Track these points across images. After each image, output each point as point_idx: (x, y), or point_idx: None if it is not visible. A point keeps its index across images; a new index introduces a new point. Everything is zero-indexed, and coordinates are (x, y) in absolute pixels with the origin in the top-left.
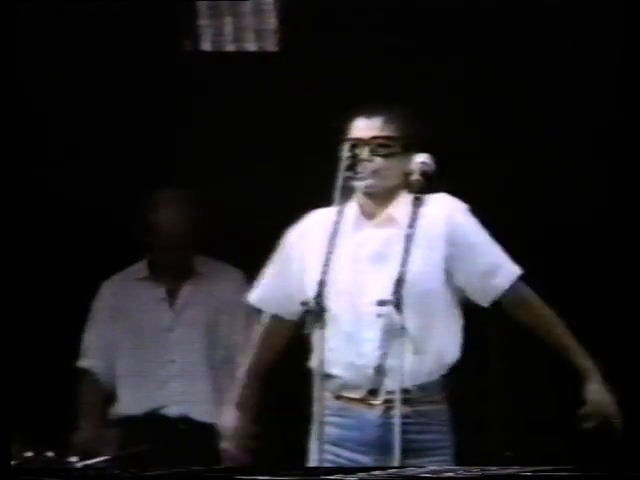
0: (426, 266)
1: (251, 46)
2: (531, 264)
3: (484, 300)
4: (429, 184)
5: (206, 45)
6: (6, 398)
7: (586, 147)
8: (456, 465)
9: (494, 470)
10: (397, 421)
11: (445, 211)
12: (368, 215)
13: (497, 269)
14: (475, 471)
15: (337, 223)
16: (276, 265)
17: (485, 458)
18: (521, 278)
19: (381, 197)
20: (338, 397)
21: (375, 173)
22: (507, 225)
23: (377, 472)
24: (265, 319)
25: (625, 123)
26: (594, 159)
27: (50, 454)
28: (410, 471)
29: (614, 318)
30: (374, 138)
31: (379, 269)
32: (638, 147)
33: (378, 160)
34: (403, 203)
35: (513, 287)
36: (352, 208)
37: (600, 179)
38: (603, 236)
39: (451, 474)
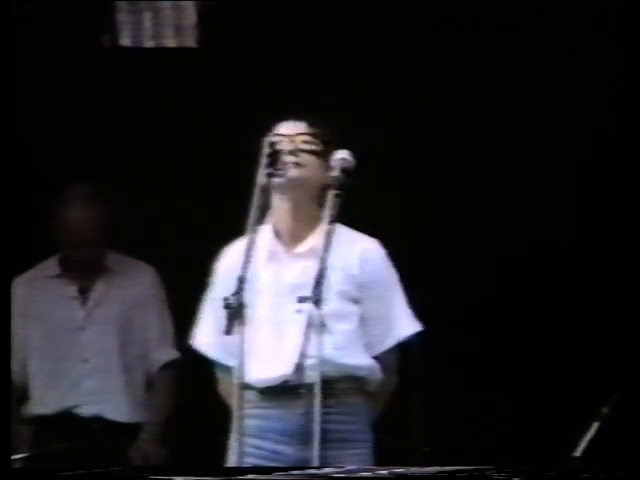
0: (343, 271)
1: (170, 42)
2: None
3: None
4: (349, 180)
5: (125, 41)
6: (6, 398)
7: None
8: (375, 462)
9: (414, 470)
10: (317, 411)
11: (362, 245)
12: (285, 242)
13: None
14: (393, 470)
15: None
16: (210, 308)
17: (404, 456)
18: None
19: (299, 205)
20: (259, 390)
21: (297, 165)
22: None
23: (295, 472)
24: (222, 376)
25: (625, 124)
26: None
27: None
28: (328, 470)
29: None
30: (298, 135)
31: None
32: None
33: (300, 154)
34: (320, 232)
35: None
36: (266, 233)
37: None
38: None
39: (369, 474)
